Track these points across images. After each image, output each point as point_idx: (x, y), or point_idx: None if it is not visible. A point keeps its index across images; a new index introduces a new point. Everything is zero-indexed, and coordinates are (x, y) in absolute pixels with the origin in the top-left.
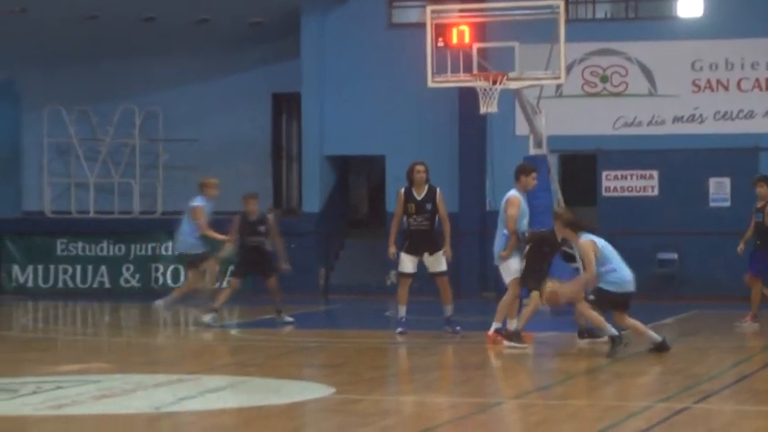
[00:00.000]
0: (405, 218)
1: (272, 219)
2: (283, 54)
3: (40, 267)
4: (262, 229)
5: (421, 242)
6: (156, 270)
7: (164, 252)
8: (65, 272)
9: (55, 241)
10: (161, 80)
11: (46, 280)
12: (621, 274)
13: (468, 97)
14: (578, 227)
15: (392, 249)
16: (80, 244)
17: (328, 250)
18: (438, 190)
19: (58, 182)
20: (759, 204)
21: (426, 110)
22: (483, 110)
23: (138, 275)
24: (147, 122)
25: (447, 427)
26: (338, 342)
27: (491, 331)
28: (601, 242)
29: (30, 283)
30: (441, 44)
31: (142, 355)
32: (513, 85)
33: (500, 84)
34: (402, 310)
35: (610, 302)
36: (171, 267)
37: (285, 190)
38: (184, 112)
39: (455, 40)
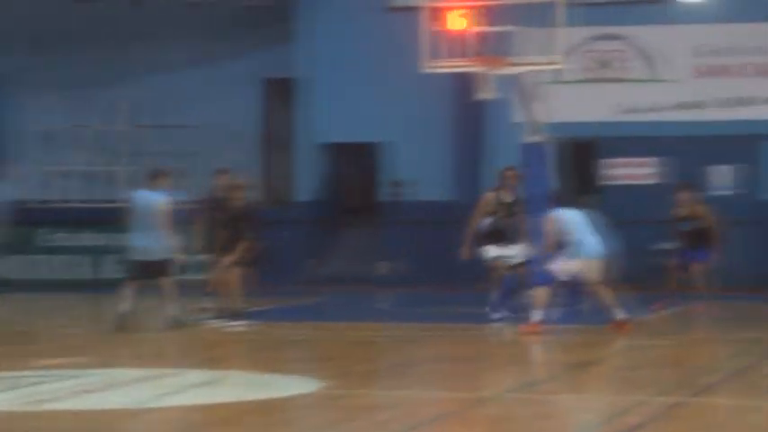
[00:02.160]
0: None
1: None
2: (277, 39)
3: (20, 258)
4: None
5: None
6: None
7: None
8: (46, 262)
9: (36, 231)
10: (149, 65)
11: (27, 271)
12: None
13: (465, 83)
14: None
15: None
16: (61, 234)
17: (319, 240)
18: None
19: (42, 170)
20: (683, 213)
21: (423, 96)
22: (480, 95)
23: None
24: (134, 108)
25: (438, 422)
26: (328, 335)
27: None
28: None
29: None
30: (437, 28)
31: (124, 349)
32: (511, 70)
33: (498, 69)
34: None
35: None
36: None
37: (276, 178)
38: (174, 98)
39: (452, 24)
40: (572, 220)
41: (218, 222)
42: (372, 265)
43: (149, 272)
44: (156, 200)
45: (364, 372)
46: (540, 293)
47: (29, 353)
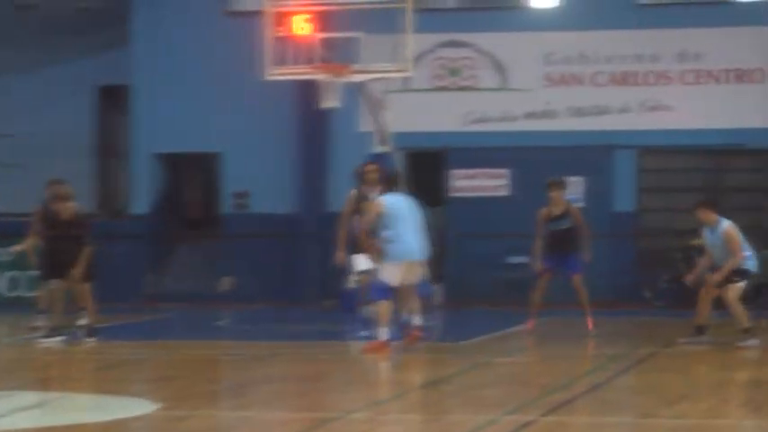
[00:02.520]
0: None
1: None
2: (112, 44)
3: None
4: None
5: None
6: None
7: None
8: None
9: None
10: None
11: None
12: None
13: (309, 91)
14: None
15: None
16: None
17: (157, 255)
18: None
19: None
20: (557, 211)
21: (265, 105)
22: (324, 104)
23: None
24: None
25: None
26: (166, 354)
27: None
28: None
29: None
30: (280, 33)
31: None
32: (358, 77)
33: (343, 76)
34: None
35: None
36: None
37: (112, 190)
38: (1, 104)
39: (296, 30)
40: (398, 209)
41: (50, 236)
42: (214, 280)
43: None
44: None
45: (205, 392)
46: (382, 309)
47: None
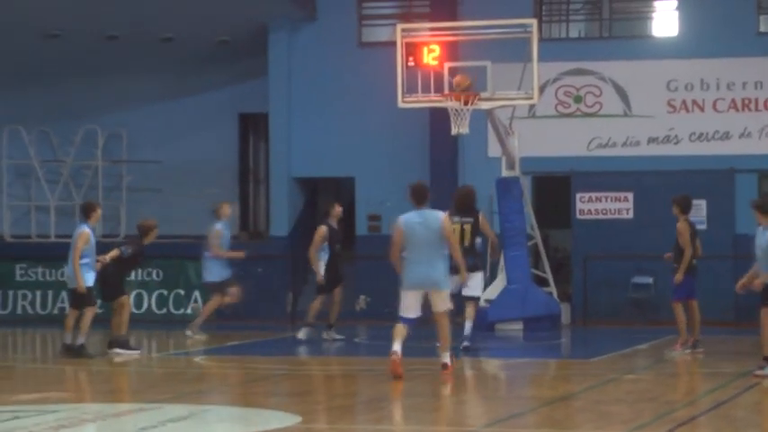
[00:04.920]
0: None
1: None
2: (251, 73)
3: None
4: None
5: None
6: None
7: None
8: (24, 297)
9: (14, 266)
10: (124, 100)
11: (4, 306)
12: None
13: (439, 118)
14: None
15: None
16: (39, 269)
17: (296, 275)
18: None
19: (18, 205)
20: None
21: (397, 131)
22: (454, 131)
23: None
24: (109, 143)
25: None
26: (305, 369)
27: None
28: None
29: None
30: (411, 63)
31: (102, 384)
32: (485, 105)
33: (472, 104)
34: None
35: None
36: (134, 293)
37: (252, 213)
38: (148, 132)
39: (426, 60)
40: (412, 230)
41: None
42: (350, 298)
43: None
44: None
45: (342, 406)
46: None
47: (7, 388)
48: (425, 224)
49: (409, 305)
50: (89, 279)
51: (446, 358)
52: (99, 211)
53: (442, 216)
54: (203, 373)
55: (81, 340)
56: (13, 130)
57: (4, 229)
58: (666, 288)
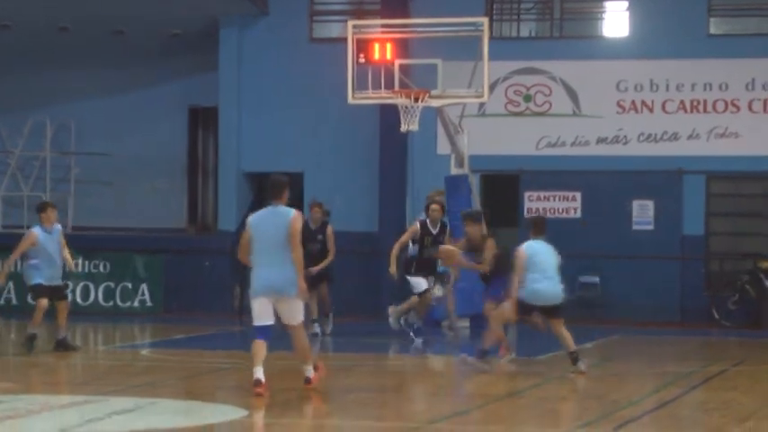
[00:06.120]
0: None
1: None
2: (201, 67)
3: None
4: None
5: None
6: (66, 287)
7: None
8: None
9: None
10: (74, 92)
11: None
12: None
13: (389, 115)
14: None
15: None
16: None
17: (244, 269)
18: None
19: None
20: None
21: (347, 127)
22: (404, 127)
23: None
24: (58, 135)
25: None
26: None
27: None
28: None
29: None
30: (362, 60)
31: (48, 376)
32: (435, 102)
33: (422, 101)
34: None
35: None
36: (81, 284)
37: (201, 206)
38: (98, 124)
39: (377, 56)
40: None
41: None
42: None
43: None
44: None
45: (290, 400)
46: None
47: None
48: (275, 222)
49: (261, 312)
50: (35, 278)
51: (308, 372)
52: (51, 212)
53: (292, 214)
54: (150, 366)
55: (62, 334)
56: None
57: None
58: (613, 287)
